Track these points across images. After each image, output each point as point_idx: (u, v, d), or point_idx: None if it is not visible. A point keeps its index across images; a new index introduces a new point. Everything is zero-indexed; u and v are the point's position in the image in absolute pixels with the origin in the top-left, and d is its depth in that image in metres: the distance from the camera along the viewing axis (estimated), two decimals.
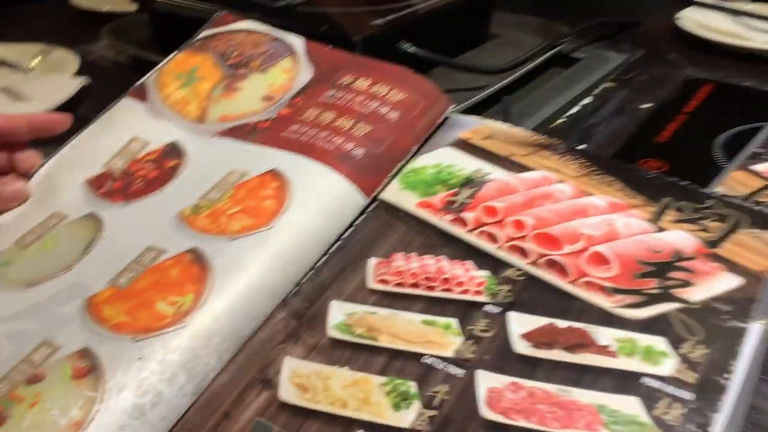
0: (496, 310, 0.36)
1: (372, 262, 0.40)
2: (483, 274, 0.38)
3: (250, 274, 0.39)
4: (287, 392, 0.34)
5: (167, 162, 0.47)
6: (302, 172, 0.44)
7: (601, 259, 0.38)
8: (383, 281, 0.39)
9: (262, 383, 0.35)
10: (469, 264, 0.39)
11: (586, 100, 0.72)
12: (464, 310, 0.36)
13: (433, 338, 0.35)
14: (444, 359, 0.34)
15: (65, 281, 0.40)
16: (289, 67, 0.53)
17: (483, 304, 0.37)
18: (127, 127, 0.51)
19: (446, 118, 0.50)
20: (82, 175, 0.48)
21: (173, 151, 0.48)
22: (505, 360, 0.34)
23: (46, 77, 0.66)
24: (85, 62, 0.71)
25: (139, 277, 0.39)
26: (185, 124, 0.50)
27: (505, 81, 0.71)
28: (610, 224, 0.40)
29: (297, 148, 0.46)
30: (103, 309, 0.38)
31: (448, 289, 0.38)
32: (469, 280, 0.38)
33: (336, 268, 0.41)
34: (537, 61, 0.75)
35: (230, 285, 0.38)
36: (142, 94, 0.53)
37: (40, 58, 0.73)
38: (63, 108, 0.63)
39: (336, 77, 0.52)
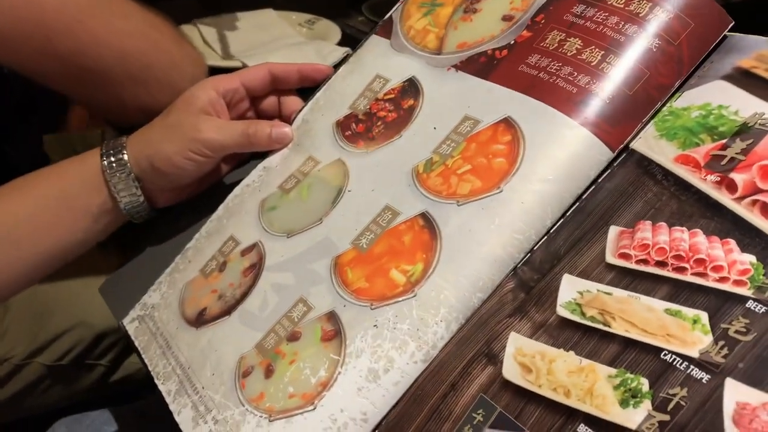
0: (761, 309, 0.30)
1: (613, 230, 0.36)
2: (749, 259, 0.31)
3: (478, 243, 0.38)
4: (511, 370, 0.34)
5: (405, 102, 0.48)
6: (539, 122, 0.40)
7: None
8: (624, 256, 0.35)
9: (487, 357, 0.35)
10: (732, 244, 0.32)
11: None
12: (719, 303, 0.31)
13: (676, 332, 0.31)
14: (687, 359, 0.30)
15: (317, 235, 0.44)
16: None
17: (745, 298, 0.30)
18: (371, 65, 0.52)
19: (723, 39, 0.40)
20: (332, 117, 0.51)
21: (411, 88, 0.48)
22: (765, 373, 0.28)
23: (313, 44, 0.70)
24: (344, 34, 0.73)
25: (377, 241, 0.41)
26: (424, 57, 0.49)
27: None
28: None
29: (534, 91, 0.41)
30: (347, 272, 0.41)
31: (701, 274, 0.32)
32: (730, 265, 0.31)
33: (572, 235, 0.37)
34: None
35: (458, 255, 0.38)
36: (387, 30, 0.53)
37: (307, 26, 0.78)
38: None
39: None
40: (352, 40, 0.54)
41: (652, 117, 0.39)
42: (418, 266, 0.39)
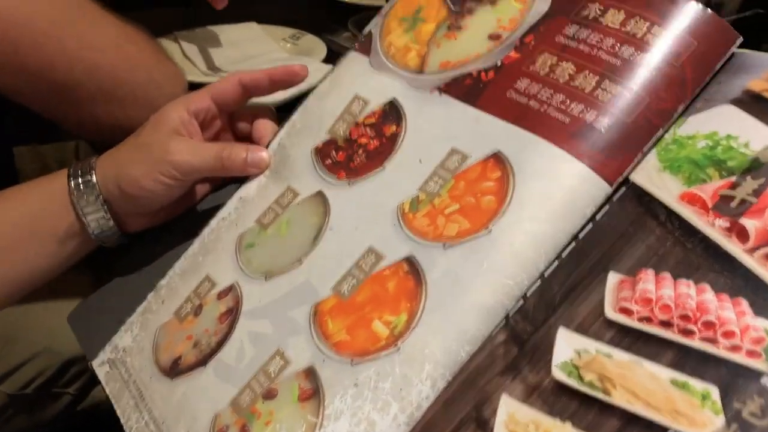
0: None
1: (613, 278, 0.33)
2: (763, 326, 0.28)
3: (466, 290, 0.35)
4: None
5: (387, 127, 0.44)
6: (529, 156, 0.37)
7: None
8: (625, 311, 0.32)
9: (476, 422, 0.32)
10: (744, 305, 0.29)
11: None
12: (731, 376, 0.28)
13: (683, 409, 0.28)
14: None
15: (297, 278, 0.41)
16: None
17: (759, 373, 0.27)
18: (349, 85, 0.48)
19: (731, 57, 0.37)
20: (310, 142, 0.48)
21: (392, 112, 0.45)
22: None
23: (297, 60, 0.67)
24: (330, 50, 0.70)
25: (359, 287, 0.38)
26: (405, 77, 0.46)
27: None
28: None
29: (525, 121, 0.38)
30: (327, 322, 0.38)
31: (711, 339, 0.29)
32: (743, 332, 0.28)
33: (567, 280, 0.34)
34: None
35: (445, 303, 0.35)
36: (367, 47, 0.49)
37: (291, 42, 0.75)
38: (311, 91, 0.64)
39: (580, 6, 0.41)
40: (337, 57, 0.51)
41: (654, 145, 0.36)
42: (402, 317, 0.36)
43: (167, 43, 0.71)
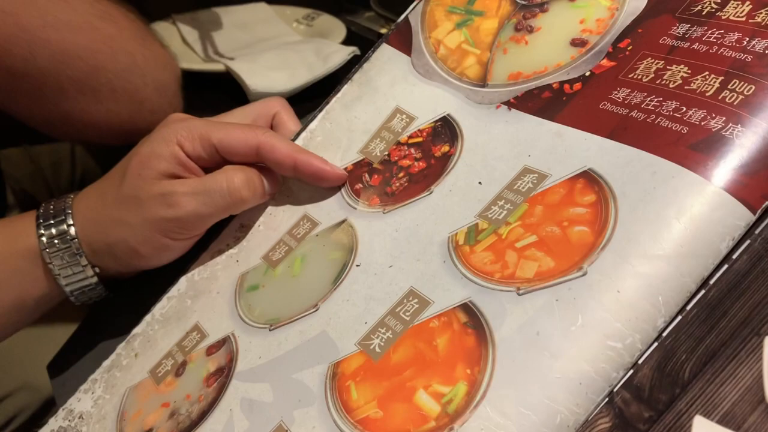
0: None
1: None
2: None
3: (551, 354, 0.25)
4: None
5: (437, 148, 0.35)
6: (636, 175, 0.27)
7: None
8: None
9: None
10: None
11: None
12: None
13: None
14: None
15: (311, 328, 0.31)
16: None
17: None
18: (388, 93, 0.39)
19: None
20: (336, 161, 0.38)
21: (445, 130, 0.36)
22: None
23: (312, 43, 0.59)
24: (349, 32, 0.62)
25: (396, 343, 0.28)
26: (461, 89, 0.37)
27: None
28: None
29: (626, 135, 0.29)
30: (351, 389, 0.28)
31: None
32: None
33: (699, 345, 0.24)
34: None
35: (522, 372, 0.25)
36: (405, 41, 0.40)
37: (305, 23, 0.67)
38: (332, 77, 0.55)
39: (688, 1, 0.33)
40: (358, 40, 0.42)
41: None
42: (460, 388, 0.25)
43: (163, 28, 0.63)
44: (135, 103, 0.41)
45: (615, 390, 0.24)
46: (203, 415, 0.31)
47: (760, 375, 0.22)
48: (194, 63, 0.59)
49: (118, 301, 0.40)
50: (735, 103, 0.27)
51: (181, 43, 0.62)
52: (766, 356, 0.23)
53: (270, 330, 0.32)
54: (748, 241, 0.26)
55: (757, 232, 0.26)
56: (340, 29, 0.63)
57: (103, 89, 0.43)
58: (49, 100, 0.43)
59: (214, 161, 0.37)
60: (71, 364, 0.41)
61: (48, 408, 0.61)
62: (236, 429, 0.29)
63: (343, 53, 0.56)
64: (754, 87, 0.28)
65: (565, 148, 0.30)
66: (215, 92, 0.59)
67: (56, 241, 0.36)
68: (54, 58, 0.41)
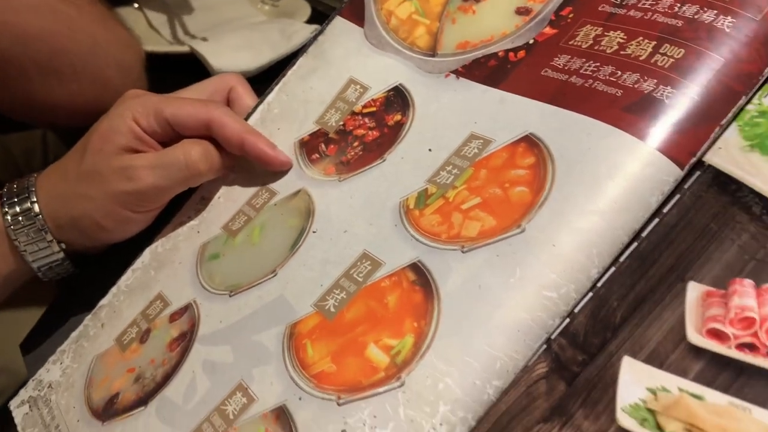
0: None
1: (694, 290, 0.24)
2: None
3: (492, 305, 0.26)
4: None
5: (390, 117, 0.36)
6: (573, 137, 0.29)
7: None
8: (717, 334, 0.23)
9: None
10: None
11: None
12: None
13: None
14: None
15: (269, 292, 0.32)
16: None
17: None
18: (342, 64, 0.40)
19: None
20: (293, 132, 0.39)
21: (397, 99, 0.37)
22: None
23: (277, 23, 0.60)
24: (315, 11, 0.63)
25: (350, 302, 0.29)
26: (412, 59, 0.38)
27: None
28: None
29: (565, 100, 0.30)
30: (306, 347, 0.29)
31: None
32: None
33: (630, 293, 0.26)
34: None
35: (465, 323, 0.26)
36: (358, 13, 0.41)
37: (270, 3, 0.67)
38: (293, 56, 0.56)
39: None
40: (323, 18, 0.42)
41: (734, 118, 0.28)
42: (408, 340, 0.27)
43: (128, 12, 0.63)
44: (98, 85, 0.41)
45: (552, 337, 0.26)
46: (167, 378, 0.32)
47: (683, 316, 0.24)
48: (160, 45, 0.59)
49: (85, 277, 0.41)
50: (666, 66, 0.29)
51: (147, 27, 0.62)
52: (688, 299, 0.24)
53: (230, 296, 0.33)
54: (677, 196, 0.27)
55: (686, 186, 0.27)
56: (304, 9, 0.64)
57: (66, 71, 0.44)
58: (12, 83, 0.43)
59: (168, 136, 0.38)
60: (43, 341, 0.41)
61: None
62: (199, 389, 0.30)
63: (306, 31, 0.57)
64: (683, 50, 0.29)
65: (509, 115, 0.32)
66: (181, 74, 0.59)
67: (21, 218, 0.37)
68: (16, 41, 0.41)
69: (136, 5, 0.66)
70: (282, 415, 0.27)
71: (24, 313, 0.46)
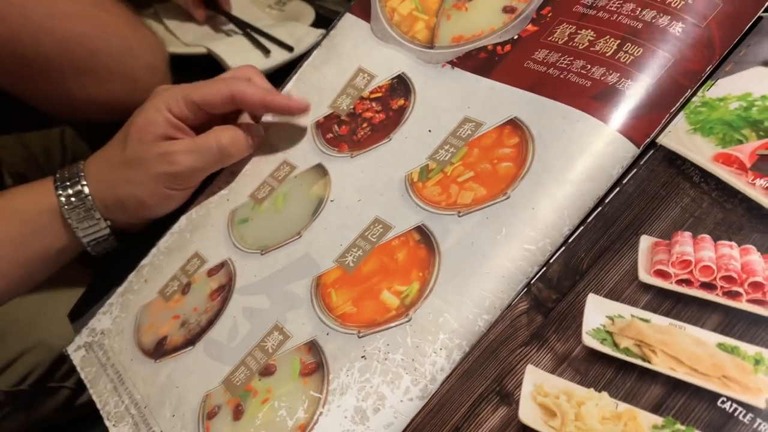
0: None
1: (646, 241, 0.31)
2: None
3: (482, 257, 0.32)
4: (529, 413, 0.28)
5: (394, 101, 0.42)
6: (549, 121, 0.35)
7: None
8: (661, 273, 0.29)
9: (499, 396, 0.29)
10: None
11: None
12: None
13: (735, 374, 0.25)
14: (750, 409, 0.24)
15: (295, 251, 0.38)
16: None
17: None
18: (351, 55, 0.46)
19: (759, 19, 0.35)
20: (309, 116, 0.45)
21: (400, 86, 0.42)
22: None
23: (284, 26, 0.65)
24: (318, 15, 0.68)
25: (365, 259, 0.35)
26: (414, 50, 0.43)
27: None
28: None
29: (543, 89, 0.36)
30: (331, 294, 0.35)
31: (760, 301, 0.26)
32: None
33: (595, 245, 0.32)
34: None
35: (460, 272, 0.32)
36: (365, 10, 0.47)
37: (277, 8, 0.72)
38: (299, 59, 0.61)
39: None
40: (327, 22, 0.48)
41: (682, 107, 0.34)
42: (414, 286, 0.33)
43: (147, 16, 0.68)
44: (130, 83, 0.46)
45: (532, 282, 0.32)
46: (211, 322, 0.38)
47: (636, 261, 0.30)
48: (177, 47, 0.63)
49: (126, 252, 0.47)
50: (627, 63, 0.35)
51: (164, 30, 0.67)
52: (640, 248, 0.30)
53: (261, 254, 0.39)
54: (634, 170, 0.34)
55: (641, 162, 0.34)
56: (309, 12, 0.69)
57: (101, 71, 0.49)
58: (53, 82, 0.48)
59: (199, 120, 0.43)
60: (88, 309, 0.47)
61: (58, 365, 0.66)
62: (240, 330, 0.36)
63: (314, 35, 0.62)
64: (642, 49, 0.35)
65: (497, 101, 0.37)
66: (198, 74, 0.64)
67: (73, 200, 0.42)
68: (57, 45, 0.46)
69: (152, 10, 0.70)
70: (313, 347, 0.33)
71: (61, 294, 0.50)
